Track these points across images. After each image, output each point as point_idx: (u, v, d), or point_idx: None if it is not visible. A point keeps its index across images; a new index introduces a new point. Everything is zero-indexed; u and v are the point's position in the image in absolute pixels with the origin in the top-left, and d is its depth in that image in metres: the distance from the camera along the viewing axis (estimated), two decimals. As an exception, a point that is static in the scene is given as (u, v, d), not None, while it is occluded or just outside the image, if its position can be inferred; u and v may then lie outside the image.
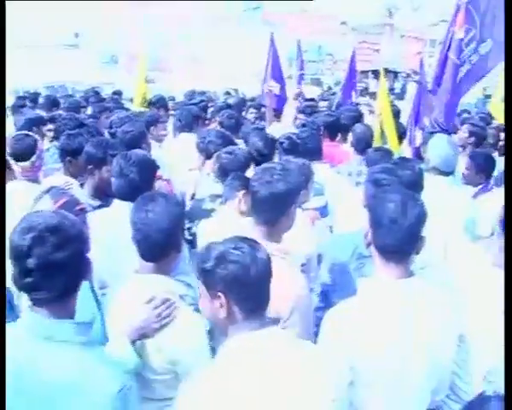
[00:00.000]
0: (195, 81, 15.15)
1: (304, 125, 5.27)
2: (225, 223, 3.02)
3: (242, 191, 3.19)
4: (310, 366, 1.85)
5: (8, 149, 3.73)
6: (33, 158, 3.74)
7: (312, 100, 9.57)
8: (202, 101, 7.94)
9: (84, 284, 1.93)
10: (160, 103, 6.98)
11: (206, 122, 6.68)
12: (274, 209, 2.47)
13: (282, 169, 2.52)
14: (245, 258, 1.84)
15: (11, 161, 3.73)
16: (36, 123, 5.56)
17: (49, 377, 1.74)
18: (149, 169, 3.21)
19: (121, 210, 2.94)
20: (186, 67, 20.29)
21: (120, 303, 2.28)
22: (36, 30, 22.38)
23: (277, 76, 7.82)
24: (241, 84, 14.63)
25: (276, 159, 4.14)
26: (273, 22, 19.36)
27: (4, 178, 2.96)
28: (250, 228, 2.49)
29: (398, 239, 2.08)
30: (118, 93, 11.51)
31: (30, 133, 3.98)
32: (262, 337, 1.83)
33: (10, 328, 1.78)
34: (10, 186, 3.61)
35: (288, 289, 2.32)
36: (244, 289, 1.83)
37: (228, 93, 12.30)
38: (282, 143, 4.25)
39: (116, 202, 3.11)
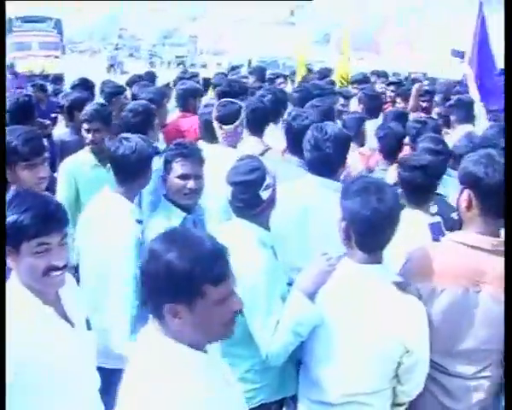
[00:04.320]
0: (402, 64, 14.84)
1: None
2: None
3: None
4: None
5: (214, 113, 4.09)
6: (236, 123, 4.06)
7: None
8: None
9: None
10: (361, 82, 7.03)
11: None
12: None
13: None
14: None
15: (215, 125, 4.08)
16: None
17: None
18: (344, 144, 3.18)
19: (310, 185, 3.07)
20: (395, 48, 19.91)
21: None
22: (255, 6, 23.53)
23: (484, 54, 6.58)
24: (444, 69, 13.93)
25: None
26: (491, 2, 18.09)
27: (4, 177, 2.96)
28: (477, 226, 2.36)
29: None
30: (329, 70, 11.79)
31: (235, 100, 4.31)
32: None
33: None
34: (211, 149, 3.96)
35: None
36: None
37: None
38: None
39: (308, 176, 3.15)
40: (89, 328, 2.21)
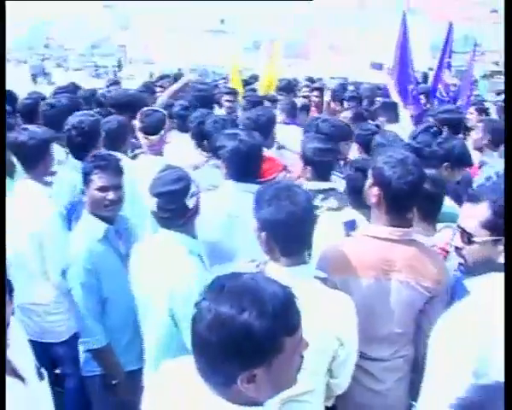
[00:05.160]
0: (331, 69, 15.11)
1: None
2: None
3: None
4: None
5: (138, 124, 4.04)
6: (162, 132, 4.03)
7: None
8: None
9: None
10: (288, 89, 7.12)
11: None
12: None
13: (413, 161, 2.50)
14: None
15: (140, 135, 4.04)
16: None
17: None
18: (259, 150, 3.31)
19: (232, 191, 3.15)
20: (323, 54, 20.27)
21: None
22: (185, 15, 23.43)
23: (404, 64, 6.99)
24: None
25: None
26: (416, 9, 18.77)
27: (4, 177, 3.20)
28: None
29: None
30: (254, 78, 11.85)
31: (159, 109, 4.27)
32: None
33: None
34: (139, 161, 3.94)
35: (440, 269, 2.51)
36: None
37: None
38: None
39: (229, 183, 3.23)
40: (41, 378, 2.10)
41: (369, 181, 2.51)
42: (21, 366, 1.94)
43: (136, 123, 4.06)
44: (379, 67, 7.06)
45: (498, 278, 2.02)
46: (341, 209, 3.17)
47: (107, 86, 7.43)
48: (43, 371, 2.11)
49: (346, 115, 5.64)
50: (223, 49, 21.66)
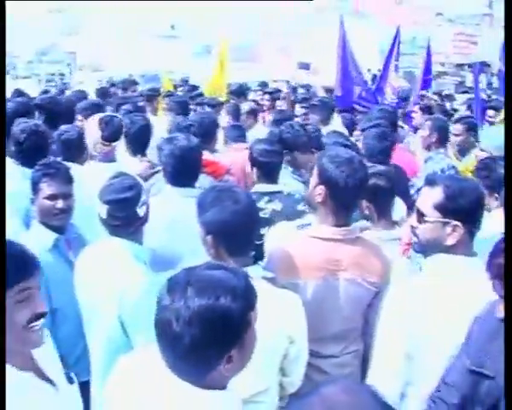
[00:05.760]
0: (283, 72, 15.23)
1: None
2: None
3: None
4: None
5: (99, 132, 3.94)
6: (121, 137, 3.97)
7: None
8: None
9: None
10: (238, 93, 7.15)
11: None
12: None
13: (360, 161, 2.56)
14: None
15: (99, 143, 3.92)
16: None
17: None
18: (197, 153, 3.28)
19: (172, 197, 3.14)
20: (275, 58, 20.43)
21: None
22: (135, 21, 23.24)
23: (346, 65, 6.99)
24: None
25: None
26: (365, 13, 19.14)
27: (4, 178, 3.07)
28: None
29: None
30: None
31: (116, 114, 4.20)
32: None
33: None
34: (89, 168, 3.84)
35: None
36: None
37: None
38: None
39: (168, 188, 3.22)
40: (70, 382, 2.01)
41: (315, 180, 2.53)
42: (49, 369, 1.89)
43: (94, 131, 3.97)
44: (306, 66, 7.18)
45: (441, 260, 2.18)
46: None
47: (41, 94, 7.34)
48: (73, 375, 2.05)
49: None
50: (174, 55, 21.60)
